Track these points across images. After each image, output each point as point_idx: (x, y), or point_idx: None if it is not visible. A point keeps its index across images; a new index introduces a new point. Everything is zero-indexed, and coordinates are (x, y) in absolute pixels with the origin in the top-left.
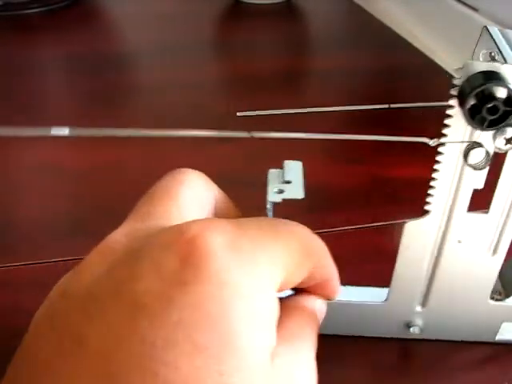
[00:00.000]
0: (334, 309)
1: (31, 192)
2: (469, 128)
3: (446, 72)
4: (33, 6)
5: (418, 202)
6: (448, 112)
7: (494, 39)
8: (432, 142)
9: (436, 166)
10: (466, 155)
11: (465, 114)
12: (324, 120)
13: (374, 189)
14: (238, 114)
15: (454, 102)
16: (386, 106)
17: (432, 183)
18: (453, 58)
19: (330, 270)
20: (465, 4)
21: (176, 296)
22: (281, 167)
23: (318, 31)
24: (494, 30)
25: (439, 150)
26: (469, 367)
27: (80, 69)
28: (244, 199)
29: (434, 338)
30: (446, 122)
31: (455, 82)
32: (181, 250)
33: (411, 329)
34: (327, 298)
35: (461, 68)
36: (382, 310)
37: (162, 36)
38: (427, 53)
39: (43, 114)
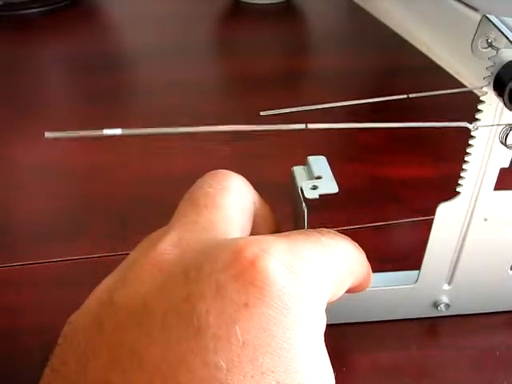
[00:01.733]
0: (363, 297)
1: (31, 192)
2: (498, 112)
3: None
4: (33, 5)
5: (418, 201)
6: (482, 98)
7: (495, 25)
8: (472, 127)
9: (469, 150)
10: (505, 138)
11: (504, 99)
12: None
13: (374, 189)
14: (261, 113)
15: (487, 88)
16: (405, 96)
17: (464, 166)
18: (452, 57)
19: (366, 280)
20: (465, 4)
21: (239, 318)
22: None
23: (317, 31)
24: (494, 18)
25: (472, 134)
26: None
27: (80, 69)
28: None
29: (458, 313)
30: (480, 107)
31: (489, 69)
32: (241, 272)
33: (439, 307)
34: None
35: (494, 56)
36: (411, 292)
37: (162, 36)
38: (427, 53)
39: (43, 114)
